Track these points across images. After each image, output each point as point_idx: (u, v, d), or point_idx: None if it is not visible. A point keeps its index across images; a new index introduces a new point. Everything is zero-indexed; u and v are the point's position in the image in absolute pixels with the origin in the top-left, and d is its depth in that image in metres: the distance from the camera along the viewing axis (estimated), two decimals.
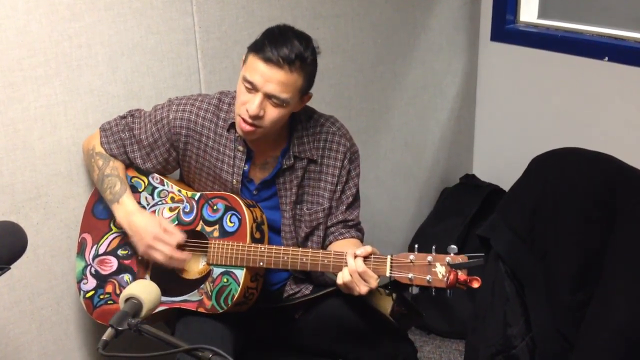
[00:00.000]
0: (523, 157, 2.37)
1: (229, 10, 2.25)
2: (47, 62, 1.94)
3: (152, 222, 1.87)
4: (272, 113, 1.76)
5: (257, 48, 1.73)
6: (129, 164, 1.99)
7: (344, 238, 1.96)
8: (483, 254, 1.68)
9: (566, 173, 2.21)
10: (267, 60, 1.70)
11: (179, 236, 1.85)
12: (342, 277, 1.70)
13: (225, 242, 1.83)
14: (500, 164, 3.11)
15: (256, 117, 1.75)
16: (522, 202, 2.27)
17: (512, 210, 2.28)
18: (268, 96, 1.73)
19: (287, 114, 1.80)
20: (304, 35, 1.78)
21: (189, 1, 2.16)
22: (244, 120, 1.77)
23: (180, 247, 1.87)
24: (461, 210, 2.94)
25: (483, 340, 2.28)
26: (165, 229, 1.85)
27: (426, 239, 2.93)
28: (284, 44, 1.71)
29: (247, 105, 1.74)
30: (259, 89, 1.73)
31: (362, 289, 1.69)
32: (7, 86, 1.90)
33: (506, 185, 2.76)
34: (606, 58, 2.63)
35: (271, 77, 1.71)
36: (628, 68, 2.58)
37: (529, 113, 2.96)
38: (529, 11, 2.95)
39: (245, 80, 1.74)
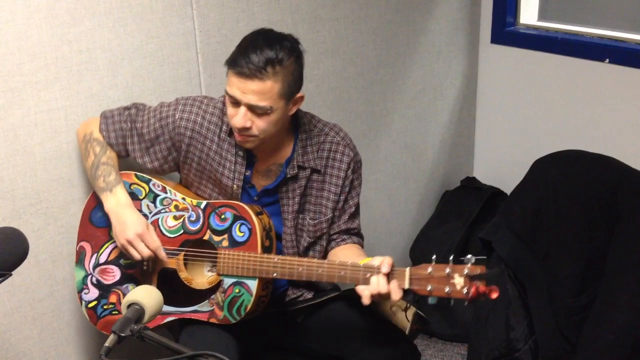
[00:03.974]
0: (524, 160, 2.37)
1: (229, 14, 2.25)
2: (47, 67, 1.94)
3: (140, 220, 1.86)
4: (260, 122, 1.76)
5: (230, 62, 1.74)
6: (125, 156, 1.97)
7: (346, 244, 1.96)
8: (485, 257, 1.68)
9: (568, 175, 2.21)
10: (239, 74, 1.71)
11: (160, 247, 1.85)
12: (367, 299, 1.66)
13: (236, 253, 1.80)
14: (501, 166, 3.10)
15: (244, 129, 1.77)
16: (524, 204, 2.27)
17: (514, 213, 2.28)
18: (250, 107, 1.74)
19: (278, 120, 1.79)
20: (278, 37, 1.75)
21: (189, 5, 2.16)
22: (237, 131, 1.79)
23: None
24: (462, 213, 2.93)
25: (486, 344, 2.28)
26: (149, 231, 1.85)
27: (427, 242, 2.92)
28: (253, 52, 1.70)
29: (234, 119, 1.77)
30: (240, 102, 1.74)
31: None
32: (7, 91, 1.89)
33: (507, 188, 2.76)
34: (607, 60, 2.63)
35: (246, 89, 1.72)
36: (629, 70, 2.58)
37: (530, 115, 2.96)
38: (529, 13, 2.94)
39: (227, 94, 1.77)
